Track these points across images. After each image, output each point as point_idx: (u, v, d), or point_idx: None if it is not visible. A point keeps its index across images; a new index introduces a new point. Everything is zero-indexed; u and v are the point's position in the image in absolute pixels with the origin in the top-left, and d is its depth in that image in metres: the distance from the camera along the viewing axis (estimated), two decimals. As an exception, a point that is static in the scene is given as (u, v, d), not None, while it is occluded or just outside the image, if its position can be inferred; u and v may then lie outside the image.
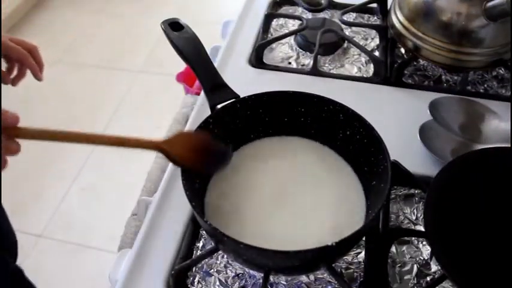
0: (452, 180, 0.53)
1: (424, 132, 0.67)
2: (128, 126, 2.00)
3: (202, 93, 0.71)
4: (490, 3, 0.68)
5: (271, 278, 0.54)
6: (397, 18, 0.79)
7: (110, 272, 0.59)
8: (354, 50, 0.86)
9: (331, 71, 0.82)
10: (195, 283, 0.55)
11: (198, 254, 0.57)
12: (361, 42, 0.87)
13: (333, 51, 0.86)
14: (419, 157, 0.66)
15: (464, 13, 0.71)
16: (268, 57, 0.85)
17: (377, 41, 0.88)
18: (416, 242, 0.58)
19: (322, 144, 0.61)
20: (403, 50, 0.85)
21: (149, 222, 0.60)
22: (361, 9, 0.93)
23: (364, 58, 0.84)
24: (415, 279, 0.55)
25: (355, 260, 0.56)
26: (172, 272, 0.54)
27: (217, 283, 0.55)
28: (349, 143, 0.59)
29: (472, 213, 0.54)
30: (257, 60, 0.83)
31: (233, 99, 0.59)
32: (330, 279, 0.54)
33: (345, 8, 0.91)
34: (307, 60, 0.84)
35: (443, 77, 0.81)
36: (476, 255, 0.52)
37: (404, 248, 0.58)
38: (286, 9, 0.96)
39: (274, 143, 0.62)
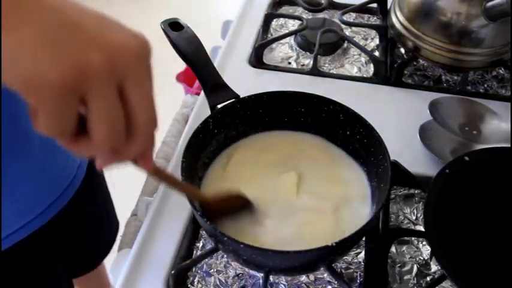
0: (452, 180, 0.53)
1: (424, 132, 0.67)
2: (128, 126, 1.99)
3: (202, 93, 0.71)
4: (490, 3, 0.68)
5: (271, 278, 0.54)
6: (397, 18, 0.79)
7: (109, 272, 0.59)
8: (354, 50, 0.86)
9: (331, 71, 0.82)
10: (195, 283, 0.55)
11: (198, 254, 0.57)
12: (361, 42, 0.87)
13: (333, 51, 0.86)
14: (419, 157, 0.66)
15: (464, 13, 0.71)
16: (268, 57, 0.85)
17: (377, 41, 0.88)
18: (416, 242, 0.58)
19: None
20: (403, 50, 0.85)
21: (149, 222, 0.60)
22: (361, 9, 0.93)
23: (364, 58, 0.84)
24: (415, 279, 0.55)
25: (355, 260, 0.56)
26: (172, 272, 0.54)
27: (217, 283, 0.55)
28: (349, 143, 0.59)
29: (472, 213, 0.54)
30: (257, 60, 0.82)
31: (233, 99, 0.59)
32: (330, 279, 0.54)
33: (345, 8, 0.90)
34: (307, 60, 0.84)
35: (443, 77, 0.81)
36: (476, 255, 0.52)
37: (404, 248, 0.58)
38: (286, 9, 0.96)
39: (274, 142, 0.62)
